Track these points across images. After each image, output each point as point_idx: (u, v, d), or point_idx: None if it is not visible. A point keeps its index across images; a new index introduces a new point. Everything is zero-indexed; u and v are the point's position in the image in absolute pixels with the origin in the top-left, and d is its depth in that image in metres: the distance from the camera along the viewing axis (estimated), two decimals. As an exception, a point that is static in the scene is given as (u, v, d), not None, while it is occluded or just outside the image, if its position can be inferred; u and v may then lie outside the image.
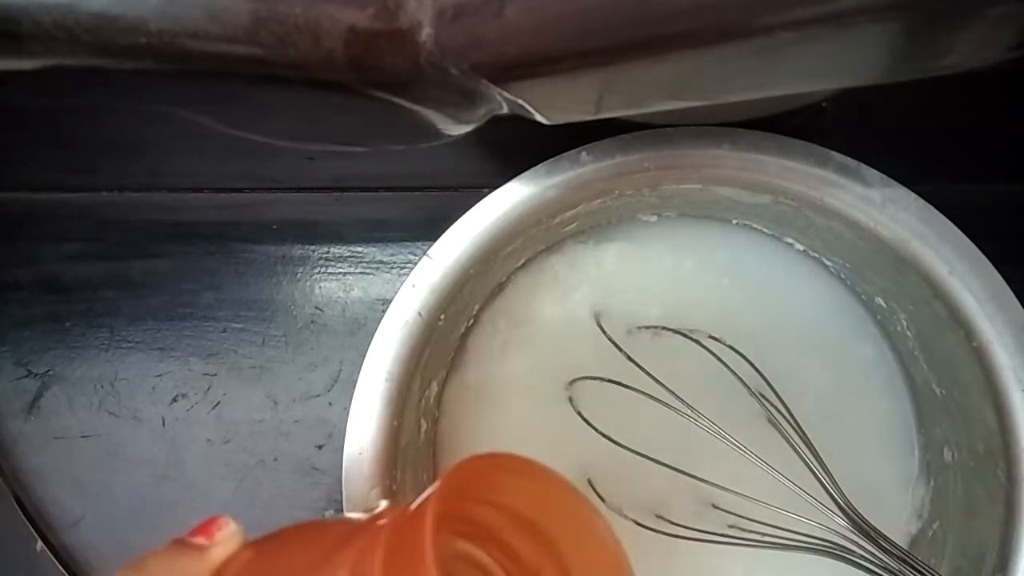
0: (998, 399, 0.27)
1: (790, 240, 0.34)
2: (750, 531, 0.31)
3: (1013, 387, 0.27)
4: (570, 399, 0.33)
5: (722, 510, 0.32)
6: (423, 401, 0.32)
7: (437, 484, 0.19)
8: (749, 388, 0.31)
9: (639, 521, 0.31)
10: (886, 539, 0.28)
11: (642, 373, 0.31)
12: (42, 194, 0.39)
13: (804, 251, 0.34)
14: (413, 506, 0.19)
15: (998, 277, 0.27)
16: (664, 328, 0.33)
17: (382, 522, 0.20)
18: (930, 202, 0.28)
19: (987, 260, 0.27)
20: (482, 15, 0.19)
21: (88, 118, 0.35)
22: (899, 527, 0.33)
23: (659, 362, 0.31)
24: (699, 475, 0.30)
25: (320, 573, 0.19)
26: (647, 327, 0.33)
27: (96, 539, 0.37)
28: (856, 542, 0.28)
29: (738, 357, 0.32)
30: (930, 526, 0.32)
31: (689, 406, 0.31)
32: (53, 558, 0.37)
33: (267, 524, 0.36)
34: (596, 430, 0.32)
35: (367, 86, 0.21)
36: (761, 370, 0.32)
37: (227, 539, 0.21)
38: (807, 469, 0.30)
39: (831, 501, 0.29)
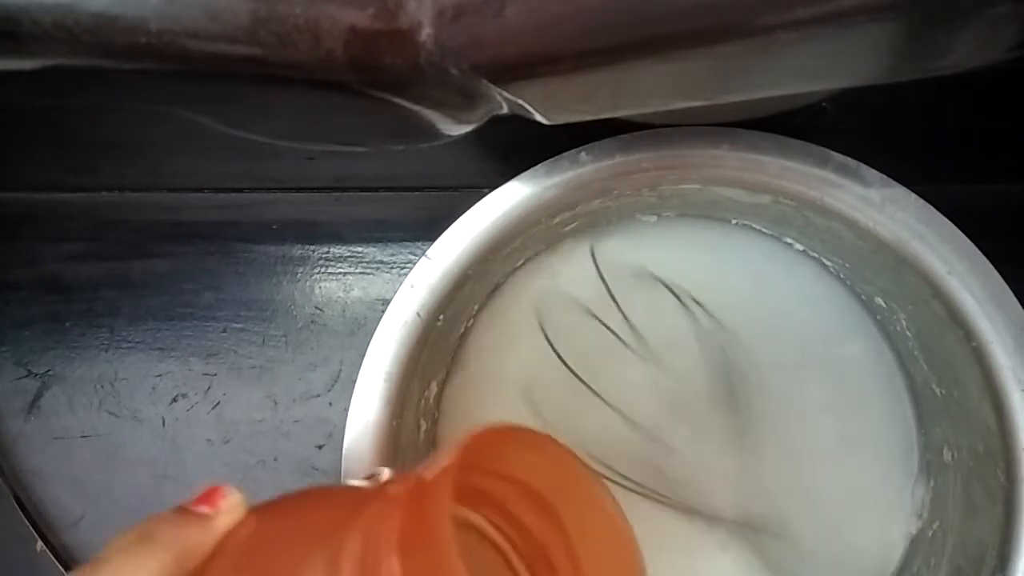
0: (998, 399, 0.27)
1: (789, 240, 0.34)
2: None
3: (1013, 387, 0.27)
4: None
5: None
6: (422, 401, 0.32)
7: (452, 453, 0.18)
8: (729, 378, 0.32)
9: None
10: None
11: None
12: (42, 194, 0.39)
13: (804, 251, 0.34)
14: (427, 474, 0.19)
15: (997, 277, 0.27)
16: (657, 281, 0.33)
17: (394, 490, 0.20)
18: (930, 202, 0.28)
19: (986, 260, 0.27)
20: (482, 15, 0.19)
21: (88, 118, 0.34)
22: (899, 527, 0.33)
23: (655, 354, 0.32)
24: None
25: (331, 541, 0.18)
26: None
27: (96, 539, 0.37)
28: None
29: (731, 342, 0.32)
30: (930, 526, 0.32)
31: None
32: (53, 558, 0.37)
33: (267, 524, 0.37)
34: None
35: (367, 86, 0.21)
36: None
37: (231, 508, 0.20)
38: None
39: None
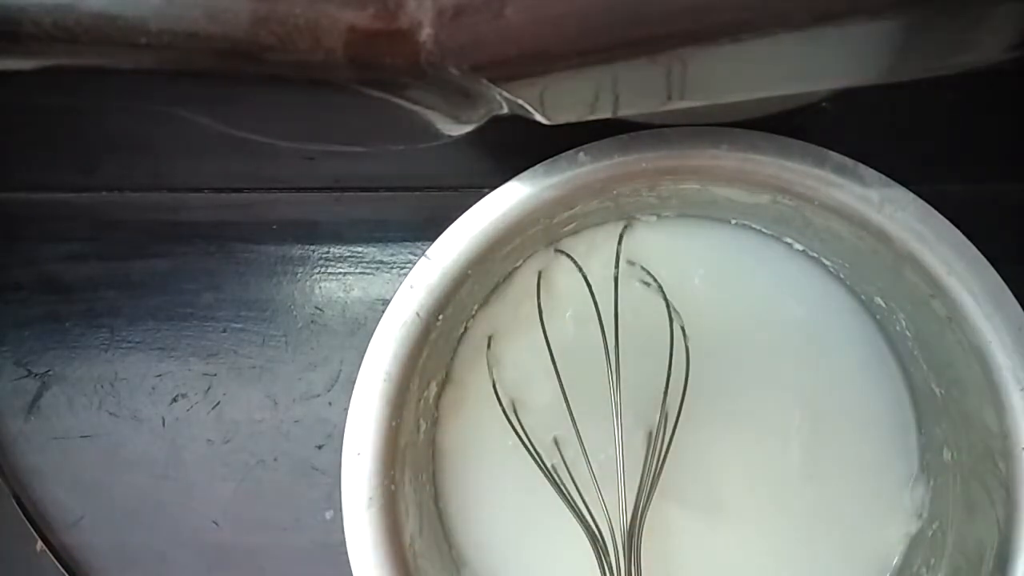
0: (997, 399, 0.27)
1: (789, 240, 0.34)
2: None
3: (1012, 387, 0.27)
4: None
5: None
6: (422, 401, 0.32)
7: None
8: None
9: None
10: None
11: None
12: (42, 194, 0.39)
13: (803, 251, 0.34)
14: None
15: (996, 277, 0.27)
16: (655, 281, 0.33)
17: None
18: (929, 202, 0.28)
19: (985, 260, 0.27)
20: (482, 15, 0.19)
21: (88, 118, 0.35)
22: (899, 527, 0.33)
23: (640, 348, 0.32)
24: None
25: None
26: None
27: (96, 539, 0.37)
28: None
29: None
30: (930, 526, 0.32)
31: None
32: (53, 558, 0.37)
33: (267, 524, 0.37)
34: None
35: (367, 86, 0.21)
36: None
37: None
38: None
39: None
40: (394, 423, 0.29)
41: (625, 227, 0.34)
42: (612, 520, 0.30)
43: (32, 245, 0.39)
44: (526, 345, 0.34)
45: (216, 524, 0.37)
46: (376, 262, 0.38)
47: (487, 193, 0.29)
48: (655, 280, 0.33)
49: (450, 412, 0.34)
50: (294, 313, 0.38)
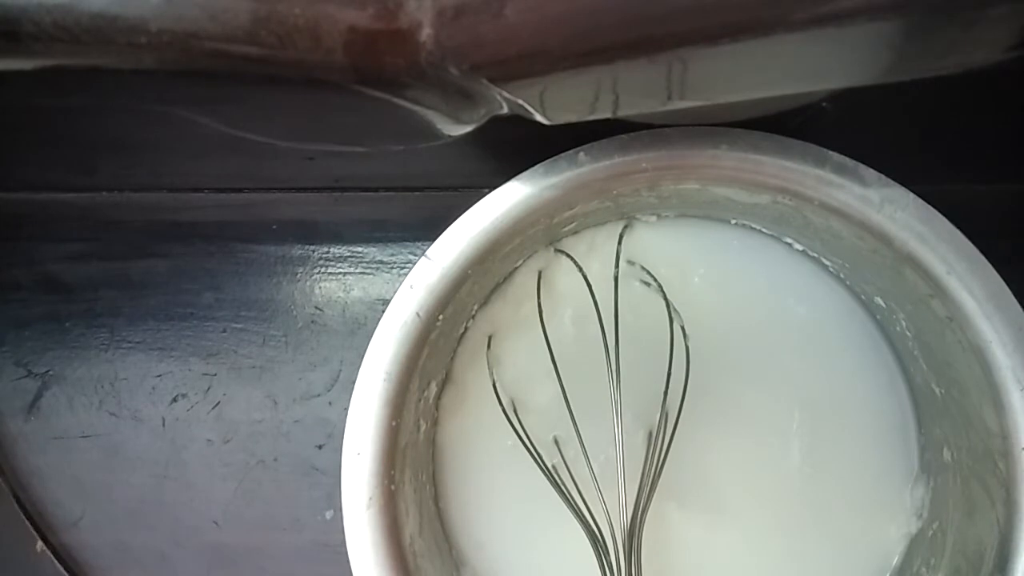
0: (997, 399, 0.27)
1: (789, 240, 0.34)
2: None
3: (1012, 387, 0.27)
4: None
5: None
6: (422, 401, 0.32)
7: None
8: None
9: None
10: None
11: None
12: (42, 194, 0.39)
13: (803, 251, 0.34)
14: None
15: (997, 277, 0.27)
16: (655, 281, 0.33)
17: None
18: (929, 202, 0.28)
19: (986, 260, 0.27)
20: (482, 15, 0.19)
21: (88, 118, 0.35)
22: (898, 527, 0.33)
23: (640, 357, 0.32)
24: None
25: None
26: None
27: (96, 539, 0.37)
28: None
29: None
30: (930, 526, 0.32)
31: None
32: (53, 558, 0.37)
33: (267, 524, 0.37)
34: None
35: (367, 86, 0.21)
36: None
37: None
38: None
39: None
40: (394, 423, 0.29)
41: (625, 227, 0.34)
42: (612, 520, 0.30)
43: (32, 245, 0.39)
44: (526, 345, 0.34)
45: (216, 524, 0.37)
46: (376, 262, 0.38)
47: (487, 193, 0.29)
48: (655, 280, 0.33)
49: (450, 412, 0.34)
50: (294, 313, 0.38)
